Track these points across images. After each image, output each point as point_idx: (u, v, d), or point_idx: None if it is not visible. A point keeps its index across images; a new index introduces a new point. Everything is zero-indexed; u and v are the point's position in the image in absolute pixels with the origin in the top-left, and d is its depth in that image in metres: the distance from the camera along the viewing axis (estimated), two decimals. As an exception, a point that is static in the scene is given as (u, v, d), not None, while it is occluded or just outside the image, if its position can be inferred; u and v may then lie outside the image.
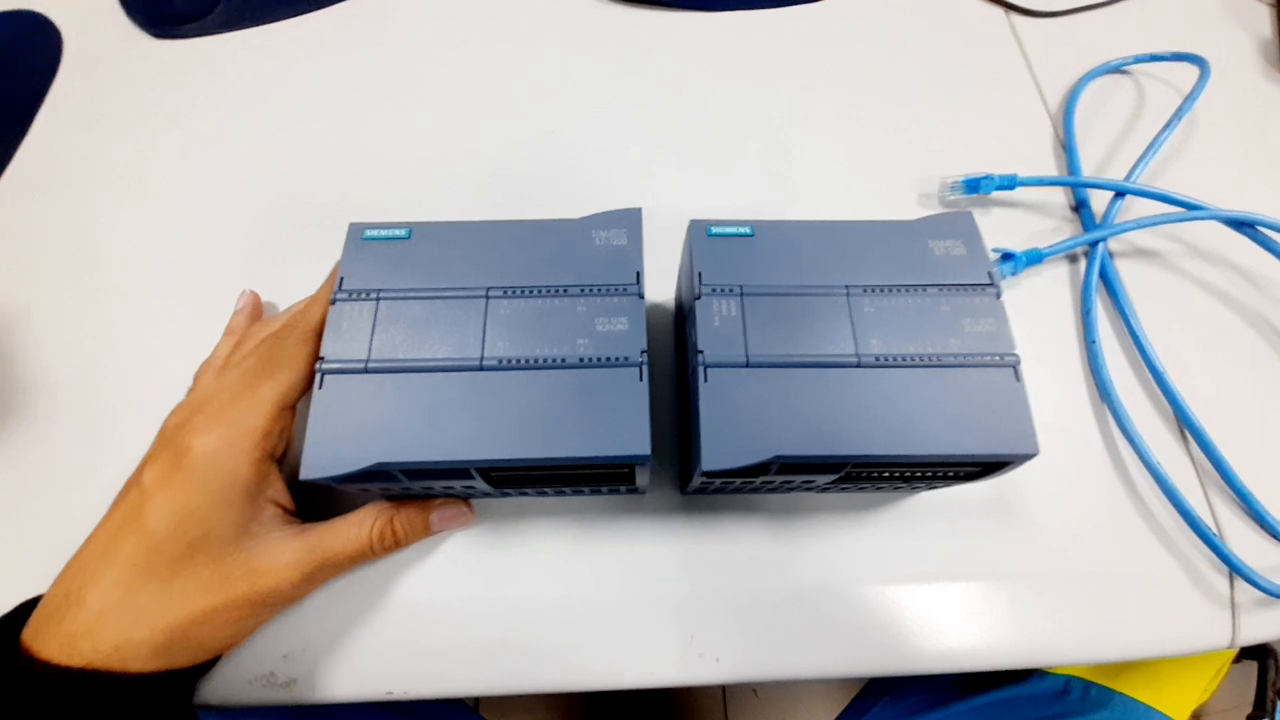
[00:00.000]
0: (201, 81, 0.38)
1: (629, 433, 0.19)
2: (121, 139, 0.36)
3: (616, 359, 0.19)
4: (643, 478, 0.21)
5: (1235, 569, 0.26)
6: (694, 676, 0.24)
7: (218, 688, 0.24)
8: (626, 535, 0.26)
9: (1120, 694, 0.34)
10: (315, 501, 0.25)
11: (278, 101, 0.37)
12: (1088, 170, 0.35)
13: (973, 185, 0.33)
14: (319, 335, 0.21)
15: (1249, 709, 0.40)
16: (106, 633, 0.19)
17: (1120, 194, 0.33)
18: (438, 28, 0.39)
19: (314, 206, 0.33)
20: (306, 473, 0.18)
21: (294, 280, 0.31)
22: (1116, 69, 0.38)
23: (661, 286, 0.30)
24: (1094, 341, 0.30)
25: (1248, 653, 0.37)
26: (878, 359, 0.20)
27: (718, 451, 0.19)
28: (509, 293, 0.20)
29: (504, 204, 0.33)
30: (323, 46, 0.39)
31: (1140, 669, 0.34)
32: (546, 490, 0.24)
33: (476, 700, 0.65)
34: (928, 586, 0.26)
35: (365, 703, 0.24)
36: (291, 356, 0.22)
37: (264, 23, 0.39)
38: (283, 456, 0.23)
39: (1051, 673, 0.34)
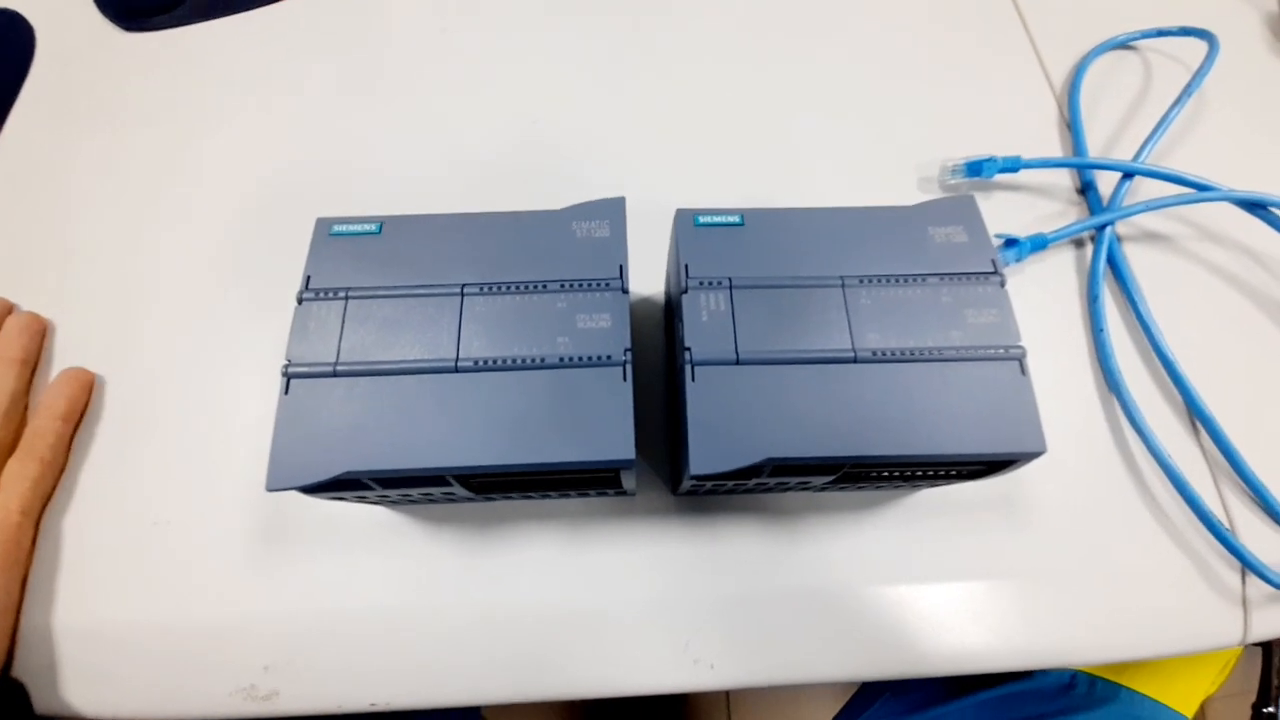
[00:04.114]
0: (175, 74, 0.36)
1: (612, 436, 0.18)
2: (96, 134, 0.34)
3: (599, 358, 0.18)
4: (629, 481, 0.20)
5: (1247, 564, 0.25)
6: (689, 683, 0.23)
7: (195, 701, 0.23)
8: (617, 538, 0.25)
9: (1126, 688, 0.33)
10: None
11: (252, 92, 0.35)
12: (1094, 151, 0.33)
13: (975, 168, 0.31)
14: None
15: (1253, 695, 0.39)
16: None
17: (1128, 175, 0.31)
18: (415, 14, 0.38)
19: (290, 198, 0.32)
20: (272, 483, 0.17)
21: (269, 273, 0.30)
22: (1122, 45, 0.37)
23: (651, 279, 0.29)
24: (1101, 330, 0.28)
25: (1253, 640, 0.37)
26: (875, 354, 0.19)
27: (707, 454, 0.18)
28: (485, 289, 0.19)
29: (485, 195, 0.32)
30: (297, 35, 0.37)
31: (1147, 663, 0.33)
32: (531, 494, 0.23)
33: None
34: (930, 586, 0.25)
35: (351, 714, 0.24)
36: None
37: (236, 12, 0.38)
38: None
39: (1056, 667, 0.34)
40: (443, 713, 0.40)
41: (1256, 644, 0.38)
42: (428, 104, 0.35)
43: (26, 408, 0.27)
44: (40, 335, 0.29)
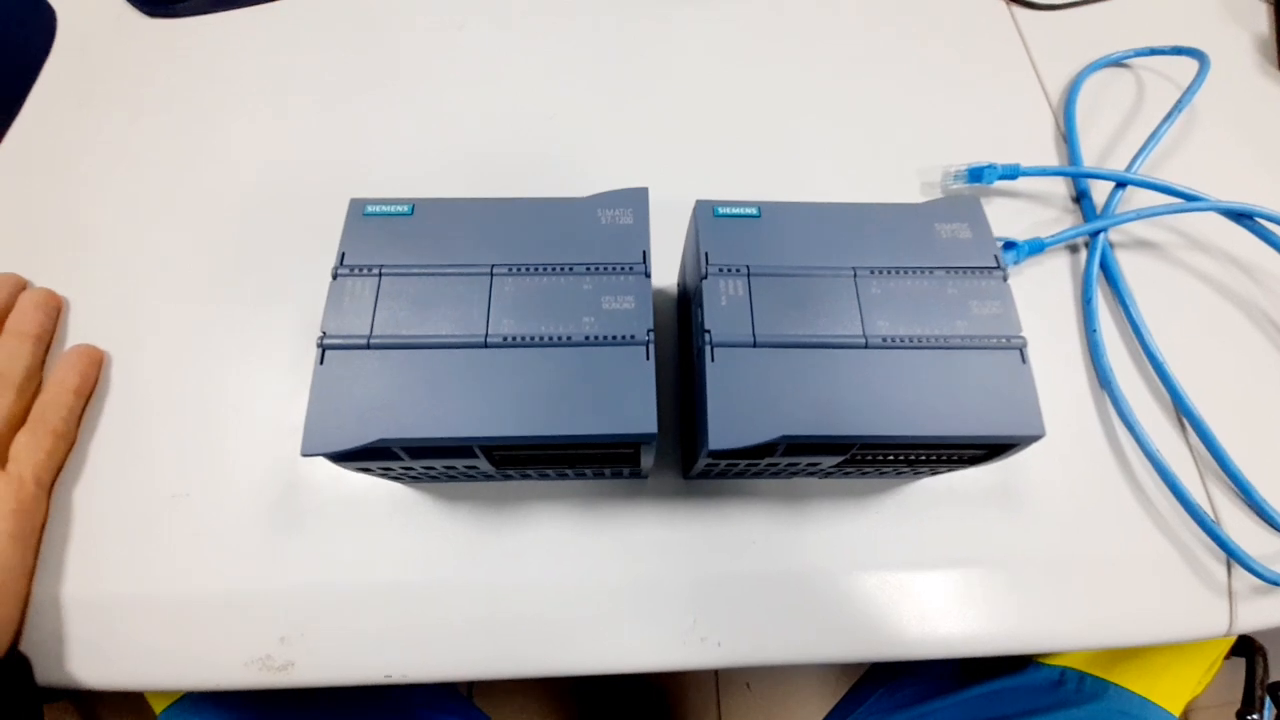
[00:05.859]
0: (196, 61, 0.37)
1: (635, 411, 0.18)
2: (115, 118, 0.35)
3: (623, 337, 0.19)
4: (647, 459, 0.21)
5: (1233, 556, 0.26)
6: (695, 660, 0.24)
7: (212, 671, 0.23)
8: (629, 519, 0.26)
9: (1115, 685, 0.34)
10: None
11: (273, 81, 0.36)
12: (1088, 161, 0.35)
13: (976, 174, 0.33)
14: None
15: (1238, 705, 0.40)
16: None
17: (1121, 185, 0.33)
18: (437, 9, 0.39)
19: (309, 188, 0.33)
20: (307, 448, 0.18)
21: (285, 256, 0.31)
22: (1117, 62, 0.38)
23: (662, 271, 0.30)
24: (1094, 330, 0.30)
25: (1236, 649, 0.38)
26: (885, 340, 0.20)
27: (725, 431, 0.19)
28: (514, 270, 0.20)
29: (502, 188, 0.33)
30: (319, 27, 0.38)
31: (1135, 660, 0.34)
32: (549, 472, 0.24)
33: (470, 688, 0.65)
34: (928, 572, 0.26)
35: (357, 689, 0.24)
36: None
37: (259, 2, 0.39)
38: None
39: (1047, 663, 0.35)
40: (435, 700, 0.40)
41: (1239, 653, 0.39)
42: (445, 98, 0.36)
43: (40, 383, 0.27)
44: (55, 311, 0.29)
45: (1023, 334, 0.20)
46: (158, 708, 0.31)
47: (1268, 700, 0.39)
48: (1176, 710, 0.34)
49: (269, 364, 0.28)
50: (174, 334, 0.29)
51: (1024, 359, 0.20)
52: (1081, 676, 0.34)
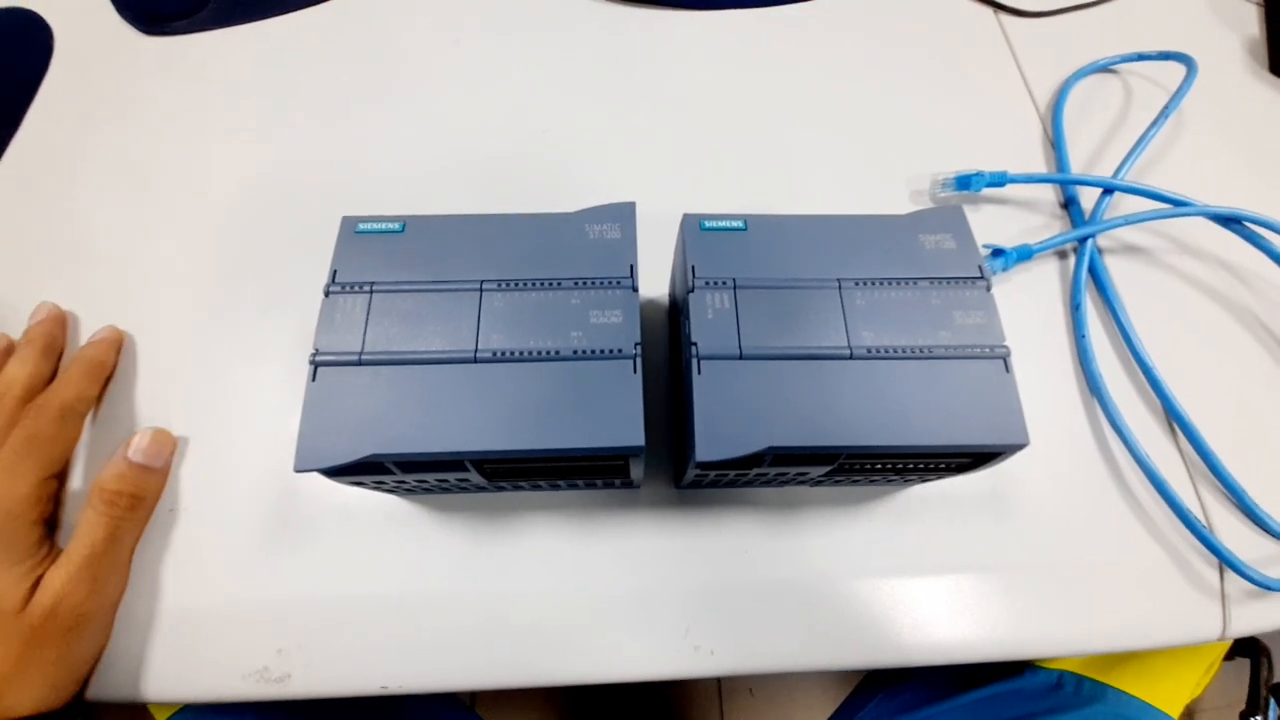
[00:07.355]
0: (193, 78, 0.37)
1: (623, 424, 0.19)
2: (112, 135, 0.36)
3: (610, 351, 0.20)
4: (637, 470, 0.21)
5: (1225, 561, 0.26)
6: (690, 669, 0.24)
7: (210, 683, 0.24)
8: (621, 529, 0.26)
9: (1113, 688, 0.34)
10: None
11: (269, 98, 0.37)
12: (1076, 168, 0.35)
13: (963, 182, 0.33)
14: (72, 412, 0.26)
15: (1242, 706, 0.40)
16: None
17: (1108, 190, 0.33)
18: (430, 25, 0.40)
19: (305, 203, 0.33)
20: (300, 464, 0.18)
21: (284, 276, 0.31)
22: (1104, 68, 0.38)
23: (653, 283, 0.30)
24: (1083, 336, 0.30)
25: (1240, 650, 0.38)
26: (870, 351, 0.20)
27: (712, 443, 0.19)
28: (503, 285, 0.20)
29: (496, 202, 0.33)
30: (314, 43, 0.39)
31: (1133, 663, 0.34)
32: (541, 484, 0.24)
33: (473, 697, 0.65)
34: (920, 579, 0.26)
35: (356, 699, 0.24)
36: (49, 436, 0.25)
37: (255, 20, 0.39)
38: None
39: (1044, 667, 0.35)
40: (436, 709, 0.40)
41: (1243, 654, 0.39)
42: (439, 113, 0.36)
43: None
44: (63, 324, 0.30)
45: (1006, 343, 0.21)
46: (159, 718, 0.32)
47: (1272, 701, 0.39)
48: (1175, 713, 0.34)
49: (266, 376, 0.29)
50: (172, 346, 0.30)
51: (1007, 368, 0.20)
52: (1079, 680, 0.34)
